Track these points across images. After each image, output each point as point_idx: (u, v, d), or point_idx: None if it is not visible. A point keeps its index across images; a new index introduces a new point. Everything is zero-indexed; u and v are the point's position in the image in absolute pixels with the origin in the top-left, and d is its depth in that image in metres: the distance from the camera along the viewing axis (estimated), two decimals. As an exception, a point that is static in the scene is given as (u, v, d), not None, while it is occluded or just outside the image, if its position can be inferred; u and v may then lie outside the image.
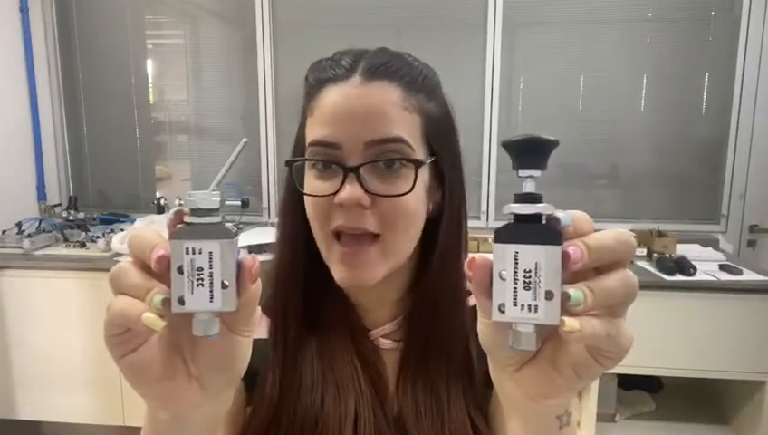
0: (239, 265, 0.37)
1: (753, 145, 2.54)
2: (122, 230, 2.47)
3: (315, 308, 0.66)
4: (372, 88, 0.58)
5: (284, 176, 0.66)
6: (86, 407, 2.37)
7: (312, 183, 0.60)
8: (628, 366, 2.12)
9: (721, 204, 2.60)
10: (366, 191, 0.57)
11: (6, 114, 2.70)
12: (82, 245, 2.45)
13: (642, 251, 2.30)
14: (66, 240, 2.50)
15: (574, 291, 0.33)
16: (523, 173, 0.36)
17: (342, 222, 0.58)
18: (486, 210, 2.72)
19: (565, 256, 0.34)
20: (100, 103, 2.94)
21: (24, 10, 2.76)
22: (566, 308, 0.34)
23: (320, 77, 0.62)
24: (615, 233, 0.35)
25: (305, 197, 0.61)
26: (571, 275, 0.34)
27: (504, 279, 0.35)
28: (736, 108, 2.53)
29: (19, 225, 2.55)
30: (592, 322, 0.34)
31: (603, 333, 0.34)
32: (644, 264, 2.23)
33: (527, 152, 0.36)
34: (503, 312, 0.35)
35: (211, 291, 0.36)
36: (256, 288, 0.39)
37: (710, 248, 2.43)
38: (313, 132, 0.60)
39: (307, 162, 0.61)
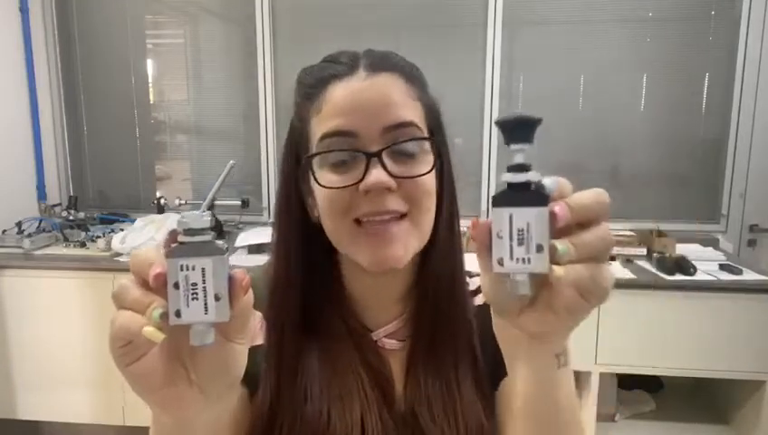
0: (230, 279, 0.40)
1: (753, 145, 2.54)
2: (122, 230, 2.47)
3: (315, 314, 0.66)
4: (379, 79, 0.61)
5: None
6: (86, 407, 2.37)
7: (327, 178, 0.60)
8: (628, 366, 2.12)
9: (721, 204, 2.60)
10: (390, 175, 0.58)
11: (6, 114, 2.70)
12: (82, 245, 2.45)
13: (642, 251, 2.29)
14: (66, 240, 2.50)
15: (561, 245, 0.39)
16: (514, 147, 0.41)
17: (368, 208, 0.59)
18: (486, 210, 2.72)
19: (552, 216, 0.39)
20: (100, 103, 2.94)
21: (24, 10, 2.76)
22: (554, 259, 0.39)
23: (320, 76, 0.63)
24: (593, 193, 0.40)
25: (319, 192, 0.61)
26: (557, 230, 0.40)
27: (501, 237, 0.41)
28: (736, 108, 2.53)
29: (19, 225, 2.56)
30: (576, 267, 0.39)
31: (587, 275, 0.39)
32: (644, 263, 2.23)
33: (517, 128, 0.41)
34: (501, 265, 0.41)
35: (205, 304, 0.39)
36: (248, 299, 0.41)
37: (710, 248, 2.43)
38: (326, 126, 0.60)
39: (319, 159, 0.61)
